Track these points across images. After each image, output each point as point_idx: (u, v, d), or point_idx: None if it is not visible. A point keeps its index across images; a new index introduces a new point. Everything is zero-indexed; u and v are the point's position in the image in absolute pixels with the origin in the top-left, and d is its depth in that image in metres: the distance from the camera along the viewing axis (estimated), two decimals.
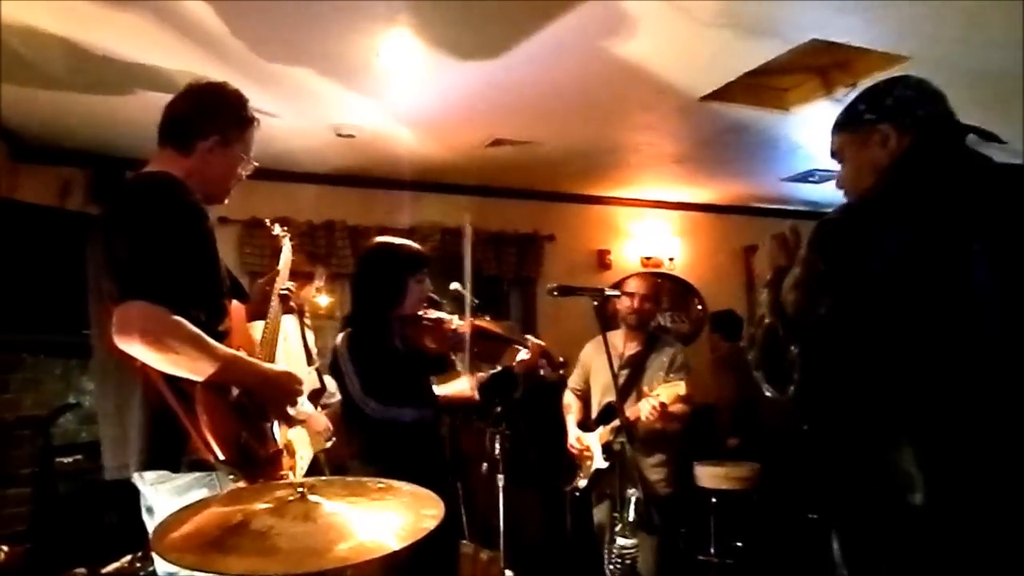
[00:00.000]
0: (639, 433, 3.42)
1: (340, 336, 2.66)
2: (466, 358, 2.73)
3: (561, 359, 2.94)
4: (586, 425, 3.71)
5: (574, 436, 3.68)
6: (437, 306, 2.95)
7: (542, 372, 2.87)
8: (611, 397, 3.45)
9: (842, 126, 1.82)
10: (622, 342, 3.69)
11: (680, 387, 3.31)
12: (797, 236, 1.73)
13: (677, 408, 3.37)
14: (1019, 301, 1.48)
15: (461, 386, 2.81)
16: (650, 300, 3.70)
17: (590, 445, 3.57)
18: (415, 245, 2.85)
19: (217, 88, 2.07)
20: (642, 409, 3.36)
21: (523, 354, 2.80)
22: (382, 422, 2.54)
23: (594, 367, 3.77)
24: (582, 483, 3.62)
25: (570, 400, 3.85)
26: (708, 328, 5.59)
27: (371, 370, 2.56)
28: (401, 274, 2.68)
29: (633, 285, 3.75)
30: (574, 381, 3.83)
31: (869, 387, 1.54)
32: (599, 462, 3.51)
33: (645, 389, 3.50)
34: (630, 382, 3.59)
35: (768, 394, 1.68)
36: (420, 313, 2.74)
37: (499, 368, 2.85)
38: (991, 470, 1.43)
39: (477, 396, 2.78)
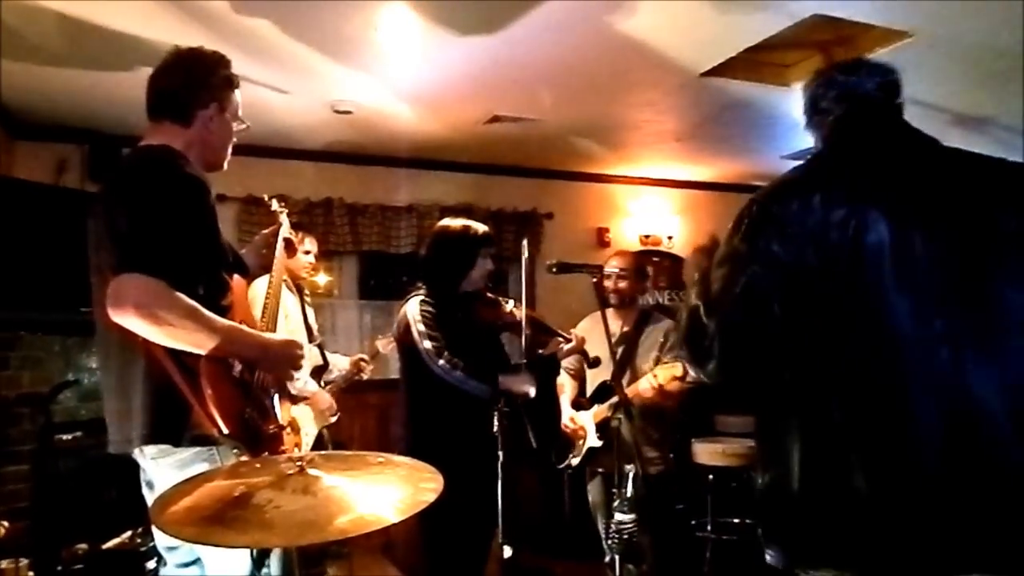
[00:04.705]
0: (635, 410, 3.42)
1: (410, 303, 2.91)
2: (522, 341, 2.96)
3: (595, 356, 3.25)
4: (579, 404, 3.71)
5: (567, 416, 3.67)
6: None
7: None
8: (605, 375, 3.45)
9: None
10: (615, 320, 3.65)
11: (676, 369, 3.28)
12: (716, 243, 1.76)
13: (673, 387, 3.37)
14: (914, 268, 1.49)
15: (521, 380, 2.98)
16: (628, 278, 3.62)
17: (584, 424, 3.58)
18: (482, 225, 3.11)
19: (203, 54, 2.05)
20: (641, 386, 3.38)
21: (565, 345, 3.13)
22: (445, 386, 2.77)
23: (588, 344, 3.68)
24: (575, 461, 3.63)
25: (564, 380, 3.82)
26: None
27: (440, 334, 2.83)
28: (472, 249, 2.98)
29: (613, 263, 3.67)
30: (569, 360, 3.76)
31: (782, 364, 1.57)
32: (592, 440, 3.52)
33: (643, 367, 3.49)
34: (623, 360, 3.57)
35: (691, 372, 1.76)
36: (481, 289, 3.02)
37: (542, 352, 3.18)
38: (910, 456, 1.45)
39: (533, 393, 2.95)
